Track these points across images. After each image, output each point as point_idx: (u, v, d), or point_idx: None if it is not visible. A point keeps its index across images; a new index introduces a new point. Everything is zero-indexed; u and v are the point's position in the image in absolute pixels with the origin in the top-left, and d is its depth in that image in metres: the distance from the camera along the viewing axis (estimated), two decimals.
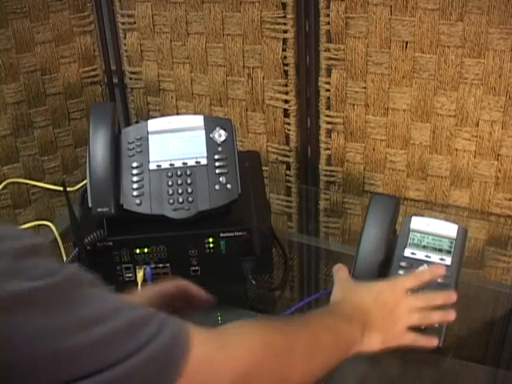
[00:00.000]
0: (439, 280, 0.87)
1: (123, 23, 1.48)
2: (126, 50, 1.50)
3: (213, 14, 1.36)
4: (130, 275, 1.03)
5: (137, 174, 1.03)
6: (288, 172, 1.45)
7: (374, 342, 0.80)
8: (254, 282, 1.04)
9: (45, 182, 1.45)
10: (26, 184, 1.46)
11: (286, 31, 1.31)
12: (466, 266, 1.25)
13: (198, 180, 1.03)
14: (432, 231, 0.92)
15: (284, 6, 1.29)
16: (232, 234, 1.03)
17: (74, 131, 1.53)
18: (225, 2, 1.34)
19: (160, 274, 1.04)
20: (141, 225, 1.03)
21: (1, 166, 1.43)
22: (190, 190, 1.02)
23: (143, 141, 1.06)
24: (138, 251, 1.02)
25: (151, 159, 1.04)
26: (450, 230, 0.92)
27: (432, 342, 0.83)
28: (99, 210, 1.00)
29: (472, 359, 0.98)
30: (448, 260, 0.90)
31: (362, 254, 0.92)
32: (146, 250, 1.02)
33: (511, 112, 1.18)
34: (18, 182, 1.44)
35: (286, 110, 1.39)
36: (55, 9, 1.42)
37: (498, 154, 1.22)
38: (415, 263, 0.90)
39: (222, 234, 1.03)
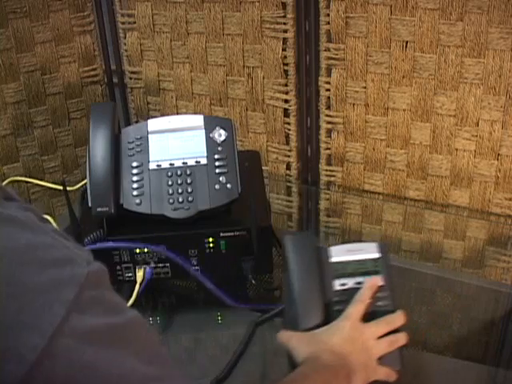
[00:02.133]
0: (379, 303, 0.84)
1: (123, 23, 1.48)
2: (126, 50, 1.50)
3: (213, 13, 1.36)
4: (129, 275, 1.03)
5: (137, 174, 1.03)
6: (288, 172, 1.45)
7: None
8: (253, 281, 1.04)
9: (45, 182, 1.45)
10: (27, 183, 1.46)
11: (286, 31, 1.31)
12: (466, 266, 1.25)
13: (197, 180, 1.03)
14: (353, 257, 0.88)
15: (284, 5, 1.29)
16: (232, 234, 1.03)
17: (73, 131, 1.53)
18: (225, 1, 1.34)
19: (160, 274, 1.04)
20: (141, 224, 1.03)
21: (1, 165, 1.43)
22: (189, 190, 1.02)
23: (143, 140, 1.06)
24: (137, 251, 1.02)
25: (151, 159, 1.04)
26: (370, 249, 0.88)
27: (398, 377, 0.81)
28: (99, 209, 1.00)
29: (472, 359, 0.98)
30: (379, 280, 0.87)
31: (303, 316, 0.84)
32: (145, 250, 1.02)
33: (511, 112, 1.18)
34: (19, 181, 1.44)
35: (286, 110, 1.39)
36: (55, 8, 1.42)
37: (498, 154, 1.22)
38: (349, 294, 0.85)
39: (221, 234, 1.03)
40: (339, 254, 0.88)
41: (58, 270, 0.44)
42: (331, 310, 0.84)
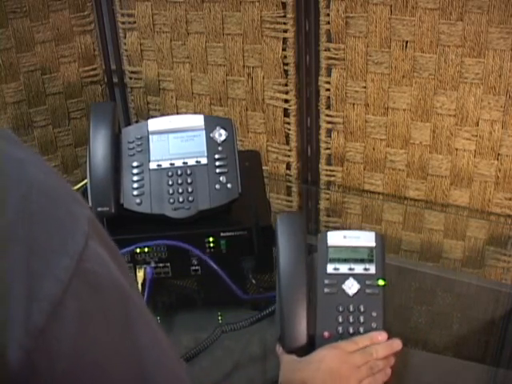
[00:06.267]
0: (367, 290, 0.86)
1: (123, 23, 1.48)
2: (126, 50, 1.50)
3: (213, 13, 1.36)
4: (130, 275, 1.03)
5: (137, 174, 1.03)
6: (288, 171, 1.45)
7: None
8: (254, 281, 1.04)
9: None
10: None
11: (286, 31, 1.31)
12: (466, 266, 1.25)
13: (198, 179, 1.03)
14: (350, 243, 0.90)
15: (284, 5, 1.29)
16: (232, 234, 1.03)
17: (73, 131, 1.53)
18: (225, 1, 1.34)
19: (160, 274, 1.04)
20: (141, 224, 1.03)
21: None
22: (190, 190, 1.02)
23: (143, 140, 1.06)
24: (138, 251, 1.02)
25: (151, 158, 1.04)
26: (367, 238, 0.90)
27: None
28: (99, 209, 1.00)
29: (472, 359, 0.98)
30: (372, 268, 0.88)
31: (286, 290, 0.86)
32: (146, 250, 1.02)
33: (511, 112, 1.18)
34: None
35: (286, 110, 1.39)
36: (55, 8, 1.42)
37: (498, 154, 1.23)
38: (340, 278, 0.87)
39: (222, 234, 1.03)
40: (336, 238, 0.90)
41: (70, 207, 0.45)
42: (319, 291, 0.87)
